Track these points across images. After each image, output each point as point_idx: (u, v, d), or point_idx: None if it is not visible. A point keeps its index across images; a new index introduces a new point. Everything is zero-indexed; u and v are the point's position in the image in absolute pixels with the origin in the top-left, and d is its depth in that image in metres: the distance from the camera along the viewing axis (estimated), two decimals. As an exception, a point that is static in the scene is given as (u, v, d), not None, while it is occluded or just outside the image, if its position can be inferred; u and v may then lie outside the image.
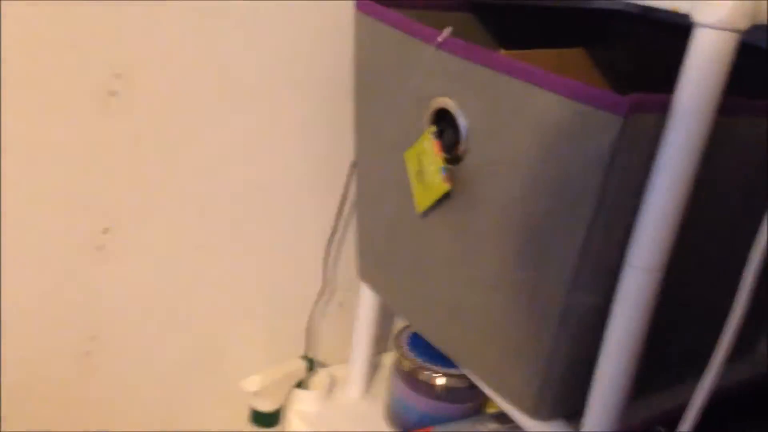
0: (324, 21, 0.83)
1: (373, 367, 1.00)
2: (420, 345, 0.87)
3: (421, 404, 0.85)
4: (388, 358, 1.04)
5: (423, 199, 0.66)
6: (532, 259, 0.58)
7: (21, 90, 0.69)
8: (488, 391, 0.70)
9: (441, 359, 0.84)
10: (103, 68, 0.72)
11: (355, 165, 0.81)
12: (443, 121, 0.63)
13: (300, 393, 0.94)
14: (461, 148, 0.62)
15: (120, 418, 0.89)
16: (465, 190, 0.63)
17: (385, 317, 1.03)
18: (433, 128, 0.63)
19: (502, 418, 0.83)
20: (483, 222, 0.62)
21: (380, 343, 1.03)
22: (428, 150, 0.64)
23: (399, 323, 1.07)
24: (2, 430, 0.81)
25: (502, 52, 0.70)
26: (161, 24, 0.73)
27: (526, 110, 0.55)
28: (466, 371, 0.76)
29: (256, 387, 0.90)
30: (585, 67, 0.82)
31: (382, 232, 0.77)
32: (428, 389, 0.84)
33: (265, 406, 0.92)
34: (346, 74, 0.87)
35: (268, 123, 0.84)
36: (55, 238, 0.76)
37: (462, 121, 0.61)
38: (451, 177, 0.63)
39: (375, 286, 0.83)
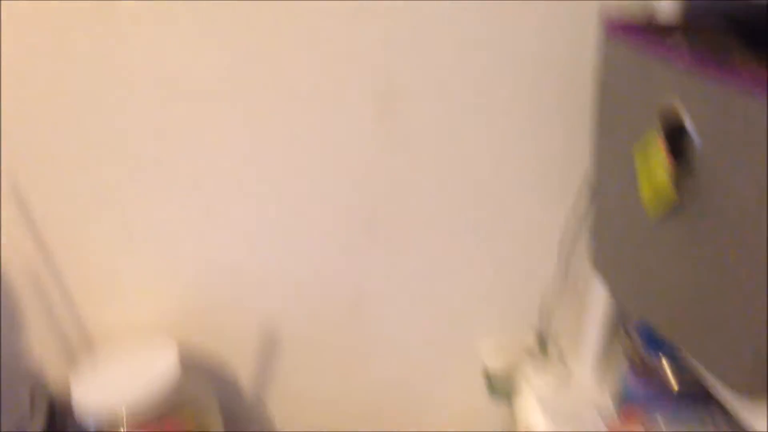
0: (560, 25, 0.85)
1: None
2: (651, 338, 0.86)
3: (650, 397, 0.86)
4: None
5: (653, 201, 0.66)
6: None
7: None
8: (703, 370, 0.69)
9: (673, 354, 0.83)
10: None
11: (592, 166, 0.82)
12: (677, 135, 0.63)
13: (533, 373, 1.00)
14: (692, 156, 0.61)
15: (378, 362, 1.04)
16: (698, 201, 0.61)
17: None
18: (659, 126, 0.63)
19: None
20: (719, 234, 0.60)
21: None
22: (655, 150, 0.64)
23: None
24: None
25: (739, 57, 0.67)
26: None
27: (757, 127, 0.53)
28: (687, 354, 0.74)
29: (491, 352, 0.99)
30: None
31: (615, 230, 0.78)
32: (660, 385, 0.84)
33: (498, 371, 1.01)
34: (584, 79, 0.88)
35: (504, 120, 0.90)
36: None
37: (692, 128, 0.60)
38: (679, 181, 0.63)
39: (606, 278, 0.84)
